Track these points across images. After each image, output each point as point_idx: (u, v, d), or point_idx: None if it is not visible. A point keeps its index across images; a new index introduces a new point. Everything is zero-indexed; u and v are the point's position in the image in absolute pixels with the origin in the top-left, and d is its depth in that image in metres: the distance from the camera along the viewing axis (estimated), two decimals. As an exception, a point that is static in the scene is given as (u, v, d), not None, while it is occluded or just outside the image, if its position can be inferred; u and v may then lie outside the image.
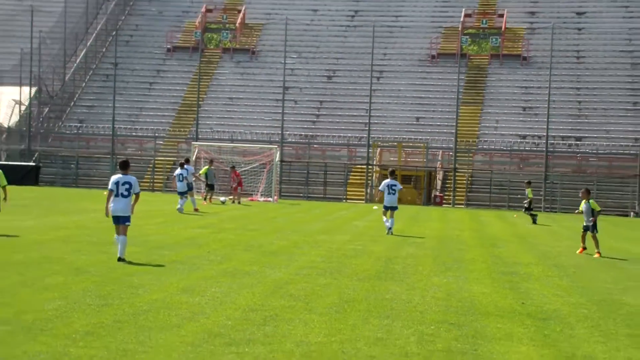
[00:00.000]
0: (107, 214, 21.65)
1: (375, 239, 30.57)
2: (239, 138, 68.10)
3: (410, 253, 26.65)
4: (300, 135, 71.09)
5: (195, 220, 37.84)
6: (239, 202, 52.58)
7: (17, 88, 72.66)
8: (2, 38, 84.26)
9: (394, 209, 32.99)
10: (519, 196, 51.32)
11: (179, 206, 41.10)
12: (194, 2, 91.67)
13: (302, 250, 25.96)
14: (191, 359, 11.26)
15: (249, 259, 22.92)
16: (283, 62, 73.73)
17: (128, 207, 21.52)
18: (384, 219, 32.99)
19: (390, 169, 39.40)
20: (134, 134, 72.71)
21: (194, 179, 44.29)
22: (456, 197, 65.02)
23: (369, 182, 65.91)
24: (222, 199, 51.66)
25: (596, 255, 26.32)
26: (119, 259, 20.86)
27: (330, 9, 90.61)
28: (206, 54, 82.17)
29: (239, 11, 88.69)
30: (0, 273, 18.46)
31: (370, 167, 67.04)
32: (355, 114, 72.80)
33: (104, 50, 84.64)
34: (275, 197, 58.83)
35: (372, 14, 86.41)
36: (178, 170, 42.50)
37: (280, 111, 69.53)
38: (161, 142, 72.50)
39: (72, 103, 78.81)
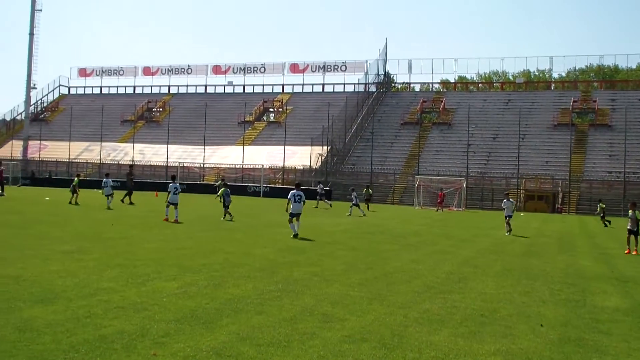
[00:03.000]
0: (286, 210, 22.98)
1: (522, 232, 29.77)
2: (442, 173, 67.50)
3: (543, 241, 25.90)
4: (477, 171, 69.88)
5: (419, 219, 37.74)
6: (442, 211, 52.22)
7: (320, 147, 74.38)
8: (313, 120, 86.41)
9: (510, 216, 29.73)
10: (605, 207, 48.30)
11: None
12: (416, 97, 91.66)
13: (480, 239, 25.51)
14: (417, 300, 11.30)
15: (449, 244, 22.71)
16: (467, 130, 72.96)
17: (300, 208, 22.49)
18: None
19: (505, 192, 36.62)
20: (382, 171, 73.08)
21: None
22: (570, 208, 62.68)
23: (518, 199, 64.22)
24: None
25: (634, 253, 22.00)
26: (296, 235, 21.67)
27: (493, 98, 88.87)
28: (422, 125, 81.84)
29: (442, 101, 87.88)
30: (313, 248, 18.83)
31: (518, 190, 65.27)
32: (509, 159, 71.10)
33: (365, 125, 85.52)
34: (463, 208, 58.06)
35: (519, 101, 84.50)
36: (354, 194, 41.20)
37: (466, 157, 68.86)
38: (397, 175, 72.73)
39: (349, 155, 79.93)
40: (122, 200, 39.56)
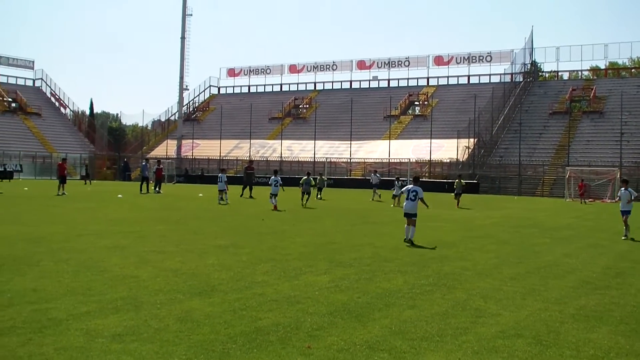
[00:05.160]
0: (398, 204, 21.89)
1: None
2: (594, 163, 64.81)
3: None
4: (632, 161, 66.32)
5: (570, 212, 36.45)
6: (585, 202, 50.33)
7: (467, 139, 73.34)
8: (459, 112, 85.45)
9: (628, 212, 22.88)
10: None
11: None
12: (565, 85, 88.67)
13: (637, 232, 23.77)
14: (573, 296, 10.96)
15: (603, 237, 21.94)
16: (620, 118, 69.71)
17: (414, 207, 18.10)
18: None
19: (623, 178, 29.64)
20: (530, 163, 71.02)
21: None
22: None
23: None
24: None
25: None
26: (410, 241, 17.57)
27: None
28: (572, 115, 78.95)
29: (592, 89, 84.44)
30: (463, 242, 18.52)
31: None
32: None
33: (513, 115, 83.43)
34: (617, 199, 55.43)
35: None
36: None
37: (619, 147, 65.80)
38: (547, 167, 70.44)
39: (496, 147, 78.20)
40: (248, 196, 40.79)
